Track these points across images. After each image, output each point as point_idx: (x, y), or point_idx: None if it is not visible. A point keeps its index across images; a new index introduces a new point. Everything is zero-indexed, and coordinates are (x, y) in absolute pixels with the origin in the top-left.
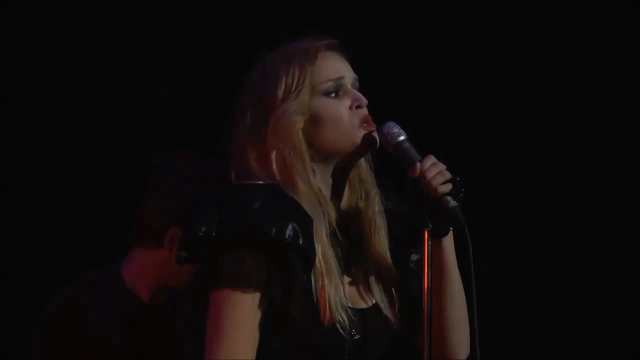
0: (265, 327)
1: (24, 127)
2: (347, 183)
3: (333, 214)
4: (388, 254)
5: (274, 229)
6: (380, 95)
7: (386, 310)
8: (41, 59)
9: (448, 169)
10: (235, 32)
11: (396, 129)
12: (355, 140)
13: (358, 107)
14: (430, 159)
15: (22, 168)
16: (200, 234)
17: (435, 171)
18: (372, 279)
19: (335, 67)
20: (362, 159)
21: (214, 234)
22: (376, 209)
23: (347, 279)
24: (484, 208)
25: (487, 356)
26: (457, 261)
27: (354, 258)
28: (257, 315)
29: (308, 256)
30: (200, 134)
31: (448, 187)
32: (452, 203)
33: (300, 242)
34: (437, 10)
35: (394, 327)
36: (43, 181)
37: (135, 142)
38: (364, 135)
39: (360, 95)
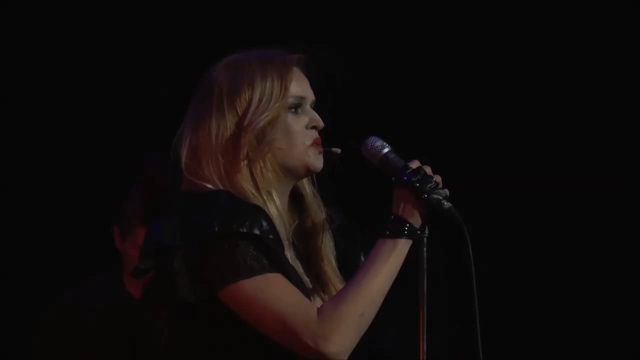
0: None
1: (24, 127)
2: (291, 196)
3: (285, 224)
4: (332, 259)
5: (246, 226)
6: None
7: None
8: (41, 59)
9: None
10: (235, 32)
11: (379, 142)
12: (304, 160)
13: (313, 127)
14: (415, 164)
15: (22, 168)
16: (164, 243)
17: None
18: (316, 281)
19: (302, 86)
20: (307, 179)
21: (174, 243)
22: (323, 227)
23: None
24: (483, 208)
25: (487, 356)
26: (457, 260)
27: (302, 261)
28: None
29: (280, 244)
30: None
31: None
32: (447, 204)
33: (271, 236)
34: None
35: None
36: (43, 181)
37: (135, 143)
38: (313, 156)
39: (318, 117)
